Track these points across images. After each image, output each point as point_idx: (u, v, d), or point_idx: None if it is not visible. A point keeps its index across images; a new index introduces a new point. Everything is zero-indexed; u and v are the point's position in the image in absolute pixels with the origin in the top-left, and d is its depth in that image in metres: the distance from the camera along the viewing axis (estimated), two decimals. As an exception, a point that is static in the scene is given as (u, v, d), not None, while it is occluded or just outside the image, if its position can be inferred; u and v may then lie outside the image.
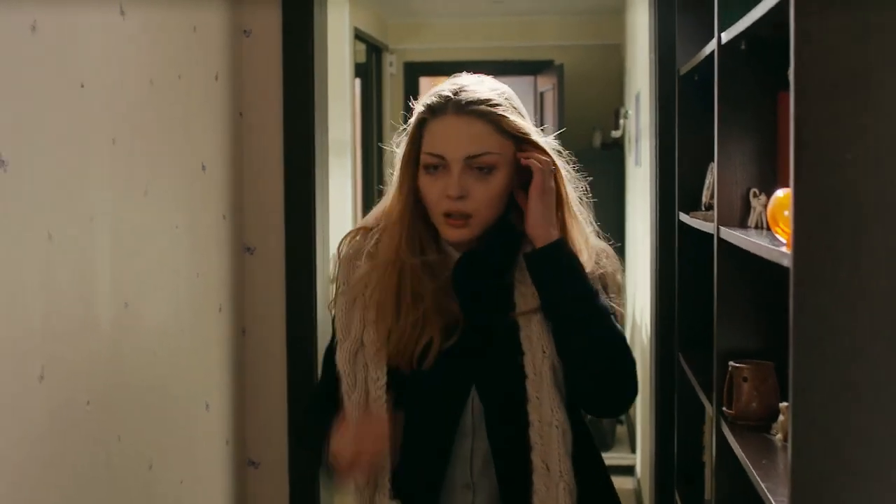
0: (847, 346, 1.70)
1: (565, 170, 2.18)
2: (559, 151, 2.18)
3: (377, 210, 2.27)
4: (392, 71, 9.32)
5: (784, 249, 1.90)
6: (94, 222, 2.62)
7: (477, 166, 2.07)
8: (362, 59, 8.55)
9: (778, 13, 1.93)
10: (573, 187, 2.20)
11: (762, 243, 2.09)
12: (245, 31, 3.69)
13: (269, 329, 3.74)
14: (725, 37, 2.53)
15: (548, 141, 2.17)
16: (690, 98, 3.45)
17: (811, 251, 1.70)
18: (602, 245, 2.23)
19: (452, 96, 2.09)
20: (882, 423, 1.71)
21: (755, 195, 2.52)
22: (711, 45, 2.76)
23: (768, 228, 2.28)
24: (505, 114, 2.09)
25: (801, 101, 1.71)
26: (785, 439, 2.30)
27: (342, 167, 7.56)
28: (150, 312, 2.96)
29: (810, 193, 1.70)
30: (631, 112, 6.80)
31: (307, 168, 3.73)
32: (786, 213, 1.95)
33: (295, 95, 3.70)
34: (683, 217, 3.39)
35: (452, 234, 2.10)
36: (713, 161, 2.76)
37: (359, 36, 7.92)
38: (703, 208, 3.22)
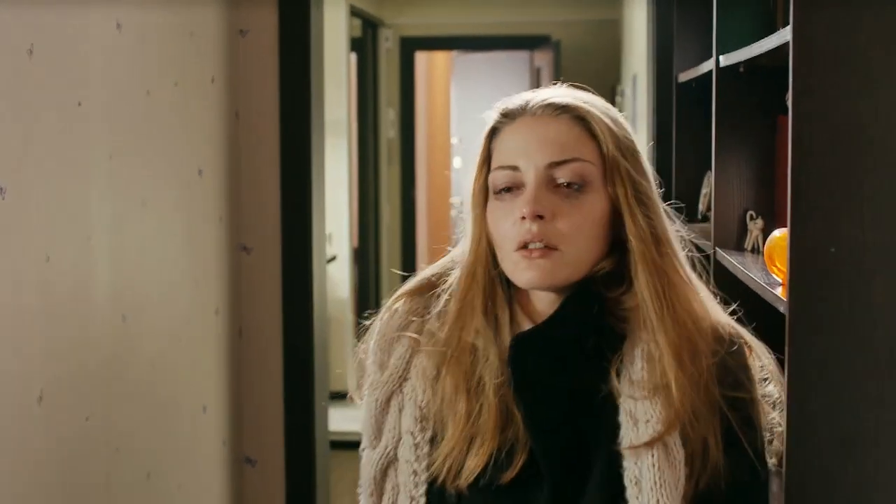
0: (845, 397, 1.70)
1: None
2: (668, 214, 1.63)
3: (446, 260, 1.74)
4: (388, 46, 9.27)
5: (779, 292, 1.90)
6: (93, 241, 2.62)
7: (563, 180, 1.52)
8: (358, 33, 8.51)
9: (776, 56, 1.93)
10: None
11: (759, 280, 2.09)
12: (241, 31, 3.68)
13: (265, 328, 3.75)
14: (724, 60, 2.53)
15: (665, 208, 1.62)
16: (688, 106, 3.44)
17: (808, 303, 1.71)
18: (725, 318, 1.63)
19: (533, 97, 1.58)
20: (882, 473, 1.72)
21: (752, 218, 2.53)
22: (710, 65, 2.75)
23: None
24: (604, 122, 1.55)
25: (797, 153, 1.71)
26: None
27: (338, 147, 7.55)
28: (148, 323, 2.96)
29: (807, 247, 1.70)
30: (627, 91, 6.77)
31: (304, 168, 3.73)
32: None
33: (292, 96, 3.69)
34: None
35: (526, 274, 1.51)
36: (710, 170, 2.76)
37: (354, 11, 7.88)
38: (700, 217, 3.22)
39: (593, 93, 1.62)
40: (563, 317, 1.55)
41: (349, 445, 6.90)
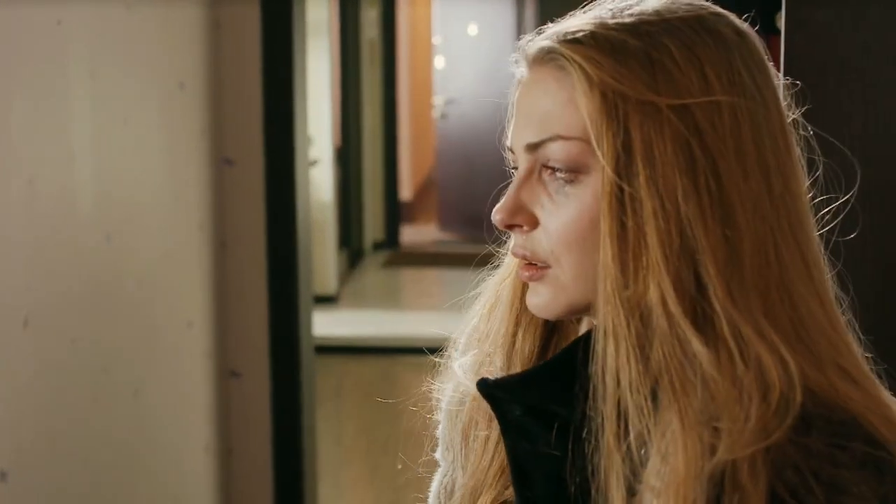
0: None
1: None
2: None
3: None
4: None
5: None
6: (76, 161, 2.61)
7: (549, 165, 1.07)
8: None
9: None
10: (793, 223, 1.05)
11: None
12: (221, -60, 3.62)
13: (249, 240, 3.74)
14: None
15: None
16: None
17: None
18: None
19: (534, 36, 1.12)
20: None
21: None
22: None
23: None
24: (604, 62, 1.02)
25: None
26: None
27: (319, 49, 7.49)
28: (132, 241, 2.95)
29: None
30: None
31: (286, 77, 3.69)
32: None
33: (273, 3, 3.64)
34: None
35: (528, 300, 1.12)
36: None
37: None
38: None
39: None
40: (544, 373, 1.14)
41: (333, 350, 6.99)
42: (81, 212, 2.65)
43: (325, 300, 8.08)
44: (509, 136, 1.13)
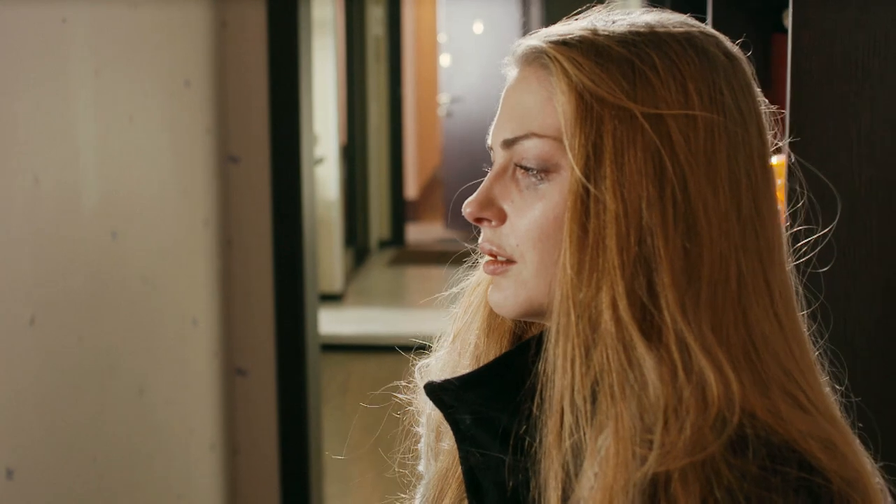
0: (839, 336, 1.70)
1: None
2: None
3: None
4: (374, -59, 9.17)
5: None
6: (80, 159, 2.61)
7: (522, 165, 1.08)
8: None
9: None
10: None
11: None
12: (227, -62, 3.62)
13: (254, 238, 3.74)
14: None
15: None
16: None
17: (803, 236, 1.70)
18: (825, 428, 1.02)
19: (521, 41, 1.13)
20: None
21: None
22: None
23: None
24: (585, 64, 1.04)
25: (796, 86, 1.69)
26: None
27: (325, 46, 7.48)
28: (138, 239, 2.95)
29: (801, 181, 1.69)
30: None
31: (292, 75, 3.69)
32: (778, 181, 1.94)
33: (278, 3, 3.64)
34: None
35: (489, 296, 1.13)
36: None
37: None
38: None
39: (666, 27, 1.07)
40: (490, 374, 1.15)
41: (338, 348, 6.99)
42: (87, 210, 2.65)
43: (331, 298, 8.07)
44: (490, 133, 1.14)
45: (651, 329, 0.99)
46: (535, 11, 9.82)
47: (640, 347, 0.98)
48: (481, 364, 1.19)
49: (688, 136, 1.01)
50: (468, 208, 1.11)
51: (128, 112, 2.88)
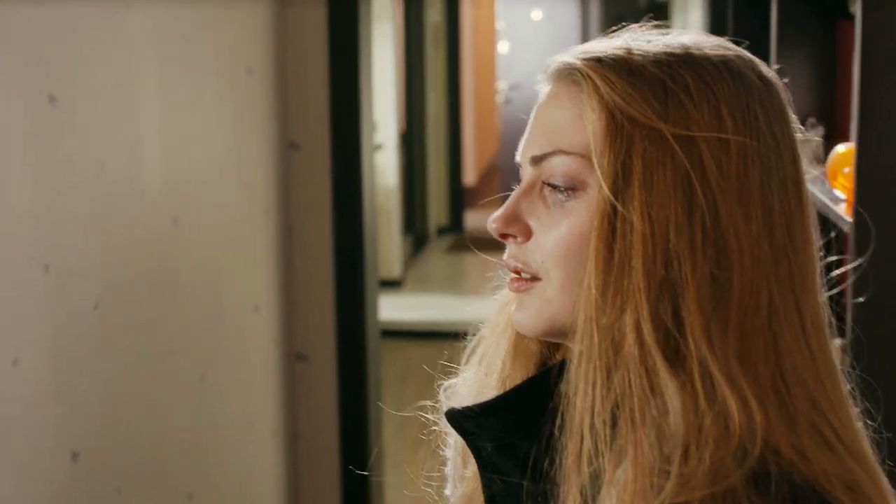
0: (873, 368, 1.66)
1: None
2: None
3: None
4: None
5: (843, 209, 1.87)
6: (143, 145, 2.62)
7: (550, 182, 1.07)
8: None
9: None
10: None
11: (821, 195, 2.05)
12: (288, -75, 3.62)
13: (315, 225, 3.74)
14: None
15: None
16: (745, 7, 3.34)
17: (875, 223, 1.68)
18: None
19: (555, 58, 1.11)
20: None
21: (812, 125, 2.48)
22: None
23: (824, 164, 2.25)
24: (617, 83, 1.03)
25: (866, 68, 1.67)
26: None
27: (383, 33, 7.48)
28: (199, 226, 2.97)
29: (874, 166, 1.67)
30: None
31: (352, 61, 3.69)
32: (846, 170, 1.91)
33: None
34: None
35: (513, 315, 1.12)
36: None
37: None
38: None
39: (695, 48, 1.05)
40: (512, 402, 1.13)
41: (397, 334, 7.00)
42: (149, 196, 2.66)
43: (390, 284, 8.09)
44: (519, 149, 1.12)
45: (675, 355, 0.97)
46: (594, -2, 9.77)
47: (663, 373, 0.96)
48: (507, 387, 1.17)
49: (719, 159, 0.99)
50: (493, 224, 1.09)
51: (190, 99, 2.89)
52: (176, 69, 2.80)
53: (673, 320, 0.97)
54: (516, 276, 1.09)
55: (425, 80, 9.47)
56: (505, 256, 1.11)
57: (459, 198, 10.69)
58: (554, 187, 1.06)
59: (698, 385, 0.95)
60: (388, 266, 8.08)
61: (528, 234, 1.08)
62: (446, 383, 1.28)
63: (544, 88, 1.11)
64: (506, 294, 1.21)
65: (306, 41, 3.66)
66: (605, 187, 1.00)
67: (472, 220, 10.97)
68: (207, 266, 3.02)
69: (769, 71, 1.07)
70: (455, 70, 10.42)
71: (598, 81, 1.03)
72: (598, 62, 1.04)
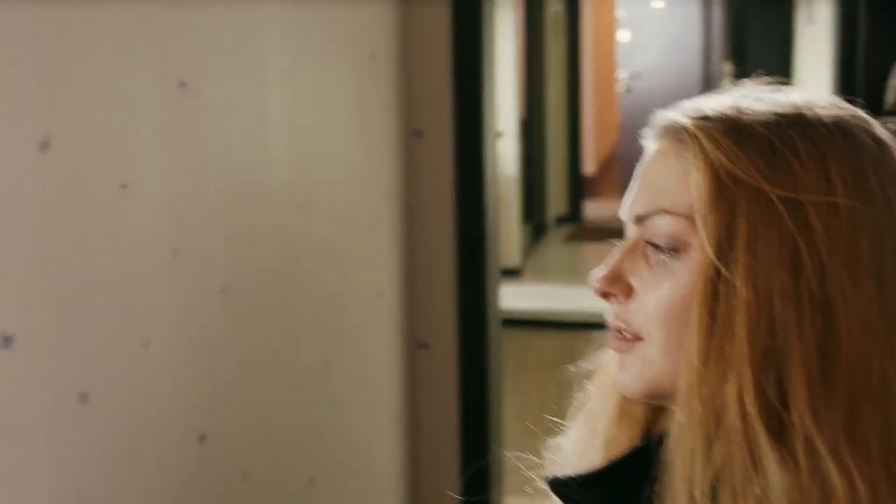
0: None
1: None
2: None
3: None
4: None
5: None
6: (271, 132, 2.64)
7: (653, 242, 1.05)
8: None
9: None
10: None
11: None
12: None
13: (437, 212, 3.74)
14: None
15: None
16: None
17: None
18: None
19: (662, 114, 1.09)
20: None
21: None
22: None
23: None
24: (723, 142, 0.99)
25: None
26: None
27: (504, 21, 7.46)
28: (324, 212, 2.98)
29: None
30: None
31: (475, 49, 3.68)
32: None
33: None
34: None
35: (616, 372, 1.10)
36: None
37: None
38: (887, 110, 3.09)
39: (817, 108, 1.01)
40: (616, 473, 1.10)
41: (516, 323, 6.98)
42: (275, 182, 2.68)
43: (509, 273, 8.08)
44: (624, 206, 1.10)
45: (778, 428, 0.93)
46: (718, -15, 9.64)
47: (766, 447, 0.93)
48: (611, 450, 1.15)
49: (828, 223, 0.95)
50: (596, 283, 1.08)
51: (315, 86, 2.90)
52: (302, 56, 2.81)
53: (777, 391, 0.93)
54: (619, 334, 1.07)
55: (545, 68, 9.43)
56: (608, 316, 1.09)
57: (578, 187, 10.64)
58: (657, 247, 1.04)
59: (802, 460, 0.92)
60: (507, 255, 8.07)
61: (630, 293, 1.06)
62: (551, 441, 1.27)
63: (651, 145, 1.09)
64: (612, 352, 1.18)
65: (429, 28, 3.66)
66: (708, 250, 0.97)
67: (590, 209, 10.90)
68: (331, 252, 3.03)
69: (885, 132, 1.04)
70: (575, 58, 10.37)
71: (704, 140, 1.00)
72: (705, 120, 1.02)
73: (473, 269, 3.77)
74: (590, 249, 9.55)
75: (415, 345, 3.77)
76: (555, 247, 9.65)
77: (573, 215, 10.55)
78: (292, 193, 2.76)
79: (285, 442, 2.76)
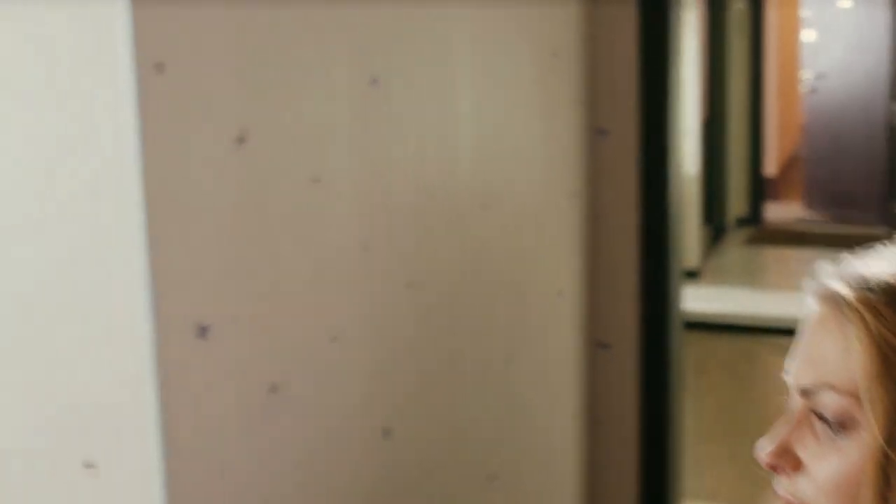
0: None
1: None
2: None
3: None
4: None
5: None
6: (458, 129, 2.65)
7: (819, 414, 1.02)
8: None
9: None
10: None
11: None
12: None
13: (620, 212, 3.71)
14: None
15: None
16: None
17: None
18: None
19: (821, 274, 1.06)
20: None
21: None
22: None
23: None
24: (888, 316, 0.97)
25: None
26: None
27: (687, 21, 7.37)
28: (506, 210, 2.98)
29: None
30: None
31: (661, 47, 3.64)
32: None
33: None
34: None
35: None
36: None
37: None
38: None
39: None
40: None
41: (695, 325, 6.90)
42: (460, 180, 2.69)
43: (689, 275, 7.99)
44: (790, 369, 1.08)
45: None
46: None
47: None
48: None
49: None
50: (766, 457, 1.06)
51: (501, 82, 2.91)
52: (488, 54, 2.82)
53: None
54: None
55: (727, 66, 9.29)
56: (776, 487, 1.07)
57: (759, 188, 10.45)
58: (824, 420, 1.01)
59: None
60: (686, 256, 7.98)
61: (798, 467, 1.04)
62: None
63: (812, 305, 1.06)
64: None
65: (614, 26, 3.63)
66: (876, 433, 0.94)
67: (772, 211, 10.70)
68: (513, 250, 3.03)
69: None
70: (758, 57, 10.19)
71: (866, 314, 0.97)
72: (868, 291, 0.98)
73: (656, 269, 3.74)
74: (770, 252, 9.37)
75: (595, 344, 3.75)
76: (734, 249, 9.49)
77: (754, 217, 10.37)
78: (476, 190, 2.77)
79: (467, 438, 2.77)
